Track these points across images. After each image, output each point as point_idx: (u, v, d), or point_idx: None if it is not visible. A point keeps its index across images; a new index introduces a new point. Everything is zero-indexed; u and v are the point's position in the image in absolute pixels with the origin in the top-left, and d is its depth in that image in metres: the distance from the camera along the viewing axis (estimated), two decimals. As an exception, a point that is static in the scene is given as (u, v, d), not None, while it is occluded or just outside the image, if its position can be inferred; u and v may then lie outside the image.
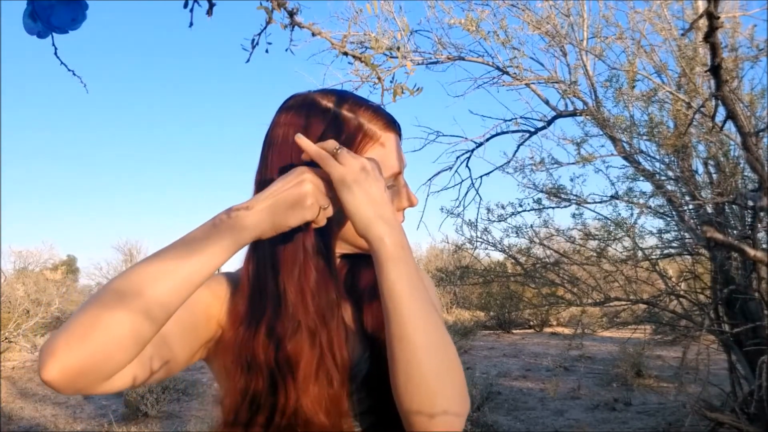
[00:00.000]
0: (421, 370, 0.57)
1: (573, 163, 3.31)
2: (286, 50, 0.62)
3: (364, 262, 0.74)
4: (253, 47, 0.59)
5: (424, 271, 0.82)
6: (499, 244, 3.63)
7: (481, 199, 3.79)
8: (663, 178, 3.18)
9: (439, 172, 3.89)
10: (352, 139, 0.66)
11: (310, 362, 0.62)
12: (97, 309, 0.53)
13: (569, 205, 3.41)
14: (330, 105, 0.68)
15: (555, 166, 3.42)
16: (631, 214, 3.30)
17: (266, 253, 0.65)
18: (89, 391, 0.55)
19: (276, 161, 0.67)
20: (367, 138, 0.67)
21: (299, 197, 0.60)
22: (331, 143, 0.62)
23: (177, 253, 0.57)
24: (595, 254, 3.40)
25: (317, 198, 0.61)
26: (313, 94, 0.69)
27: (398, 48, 0.72)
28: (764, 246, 2.82)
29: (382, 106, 0.70)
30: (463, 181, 3.85)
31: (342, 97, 0.69)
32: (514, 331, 8.49)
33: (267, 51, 0.60)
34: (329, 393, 0.63)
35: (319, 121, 0.66)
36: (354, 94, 0.71)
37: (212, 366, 0.70)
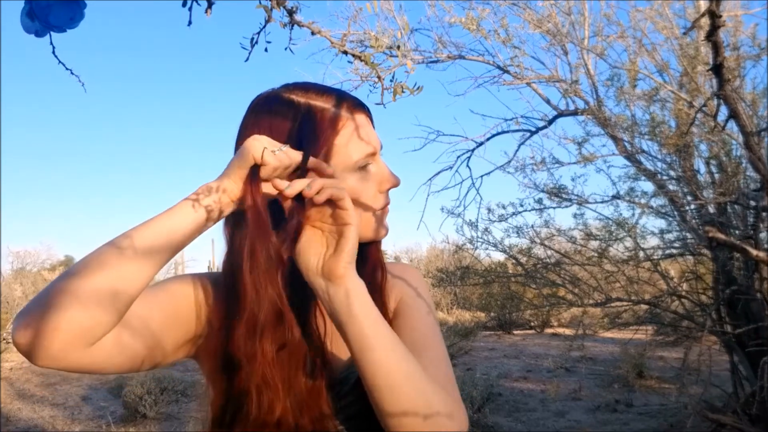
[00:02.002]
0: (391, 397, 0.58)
1: (574, 163, 3.31)
2: (286, 49, 0.61)
3: (358, 260, 0.73)
4: (253, 46, 0.58)
5: (419, 274, 0.80)
6: (500, 244, 3.63)
7: (481, 199, 3.79)
8: (665, 177, 3.17)
9: (439, 172, 3.88)
10: (320, 126, 0.66)
11: (280, 360, 0.62)
12: (68, 276, 0.54)
13: (570, 205, 3.40)
14: (293, 97, 0.68)
15: (556, 165, 3.42)
16: (633, 214, 3.29)
17: (241, 249, 0.64)
18: (66, 359, 0.54)
19: None
20: (335, 122, 0.67)
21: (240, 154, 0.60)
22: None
23: (104, 260, 0.56)
24: (596, 254, 3.40)
25: (257, 143, 0.60)
26: (277, 90, 0.70)
27: (398, 47, 0.71)
28: (767, 246, 2.81)
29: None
30: (463, 180, 3.84)
31: (304, 87, 0.69)
32: (515, 332, 8.47)
33: (266, 50, 0.59)
34: (303, 391, 0.62)
35: (284, 115, 0.66)
36: (316, 83, 0.71)
37: (202, 367, 0.70)
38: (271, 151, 0.59)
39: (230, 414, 0.63)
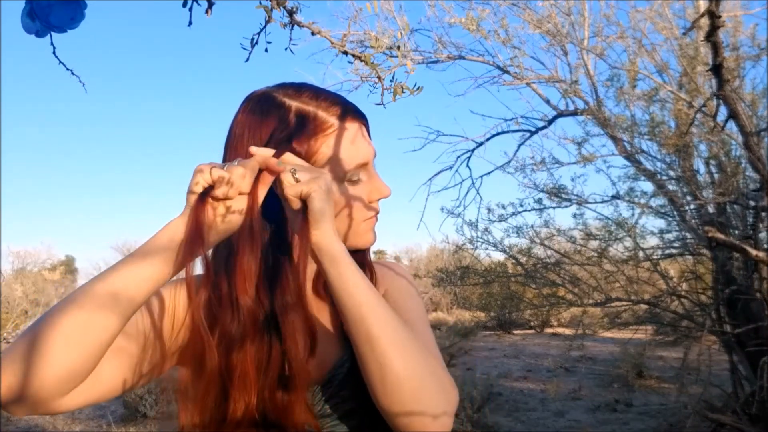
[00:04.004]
0: (394, 368, 0.57)
1: (574, 163, 3.32)
2: (286, 49, 0.61)
3: None
4: (253, 46, 0.58)
5: (405, 269, 0.80)
6: (500, 244, 3.63)
7: (481, 199, 3.79)
8: (664, 177, 3.17)
9: (439, 172, 3.89)
10: (309, 132, 0.64)
11: (256, 369, 0.61)
12: (36, 332, 0.53)
13: (570, 205, 3.41)
14: (286, 99, 0.66)
15: (556, 165, 3.42)
16: (633, 214, 3.30)
17: (221, 256, 0.63)
18: (46, 408, 0.53)
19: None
20: (324, 128, 0.65)
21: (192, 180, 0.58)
22: (287, 161, 0.59)
23: (108, 269, 0.56)
24: (596, 254, 3.40)
25: (207, 172, 0.58)
26: (270, 89, 0.68)
27: (398, 47, 0.71)
28: (766, 246, 2.81)
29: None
30: (463, 180, 3.85)
31: (298, 89, 0.67)
32: (515, 332, 8.48)
33: (266, 50, 0.59)
34: (284, 399, 0.61)
35: (275, 117, 0.65)
36: (312, 85, 0.69)
37: (183, 373, 0.69)
38: (221, 166, 0.58)
39: (202, 422, 0.63)
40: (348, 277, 0.59)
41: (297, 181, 0.59)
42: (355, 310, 0.58)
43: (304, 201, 0.59)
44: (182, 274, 0.60)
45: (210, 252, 0.62)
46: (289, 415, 0.62)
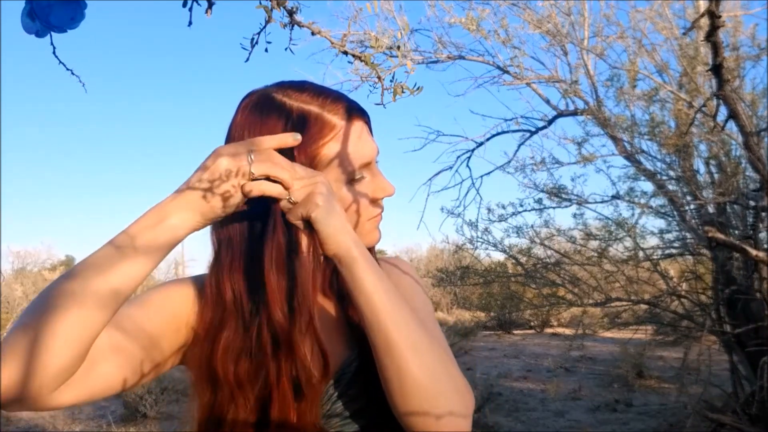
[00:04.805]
0: (413, 373, 0.57)
1: (574, 163, 3.32)
2: (286, 49, 0.61)
3: None
4: (253, 46, 0.58)
5: (411, 266, 0.80)
6: (500, 244, 3.63)
7: (481, 199, 3.79)
8: (664, 177, 3.17)
9: (439, 172, 3.89)
10: (312, 133, 0.63)
11: (268, 377, 0.60)
12: (22, 324, 0.53)
13: (570, 205, 3.41)
14: (286, 100, 0.64)
15: (556, 165, 3.42)
16: (633, 214, 3.30)
17: (226, 259, 0.62)
18: (43, 403, 0.52)
19: None
20: (328, 128, 0.64)
21: (213, 177, 0.57)
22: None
23: (106, 261, 0.55)
24: (596, 254, 3.40)
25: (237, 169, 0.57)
26: (270, 89, 0.66)
27: (398, 47, 0.71)
28: (766, 246, 2.81)
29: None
30: (463, 180, 3.85)
31: (299, 88, 0.66)
32: (515, 332, 8.47)
33: (266, 50, 0.59)
34: (294, 406, 0.61)
35: (276, 118, 0.63)
36: (313, 83, 0.67)
37: (189, 375, 0.68)
38: (250, 179, 0.56)
39: (212, 429, 0.62)
40: (364, 282, 0.59)
41: (294, 203, 0.58)
42: (372, 315, 0.58)
43: (308, 219, 0.59)
44: (182, 273, 0.59)
45: (237, 257, 0.62)
46: (300, 420, 0.61)
